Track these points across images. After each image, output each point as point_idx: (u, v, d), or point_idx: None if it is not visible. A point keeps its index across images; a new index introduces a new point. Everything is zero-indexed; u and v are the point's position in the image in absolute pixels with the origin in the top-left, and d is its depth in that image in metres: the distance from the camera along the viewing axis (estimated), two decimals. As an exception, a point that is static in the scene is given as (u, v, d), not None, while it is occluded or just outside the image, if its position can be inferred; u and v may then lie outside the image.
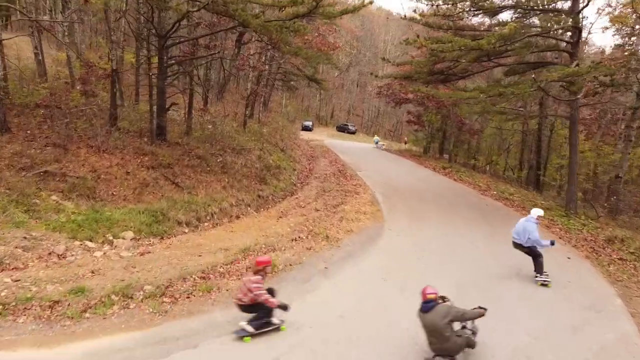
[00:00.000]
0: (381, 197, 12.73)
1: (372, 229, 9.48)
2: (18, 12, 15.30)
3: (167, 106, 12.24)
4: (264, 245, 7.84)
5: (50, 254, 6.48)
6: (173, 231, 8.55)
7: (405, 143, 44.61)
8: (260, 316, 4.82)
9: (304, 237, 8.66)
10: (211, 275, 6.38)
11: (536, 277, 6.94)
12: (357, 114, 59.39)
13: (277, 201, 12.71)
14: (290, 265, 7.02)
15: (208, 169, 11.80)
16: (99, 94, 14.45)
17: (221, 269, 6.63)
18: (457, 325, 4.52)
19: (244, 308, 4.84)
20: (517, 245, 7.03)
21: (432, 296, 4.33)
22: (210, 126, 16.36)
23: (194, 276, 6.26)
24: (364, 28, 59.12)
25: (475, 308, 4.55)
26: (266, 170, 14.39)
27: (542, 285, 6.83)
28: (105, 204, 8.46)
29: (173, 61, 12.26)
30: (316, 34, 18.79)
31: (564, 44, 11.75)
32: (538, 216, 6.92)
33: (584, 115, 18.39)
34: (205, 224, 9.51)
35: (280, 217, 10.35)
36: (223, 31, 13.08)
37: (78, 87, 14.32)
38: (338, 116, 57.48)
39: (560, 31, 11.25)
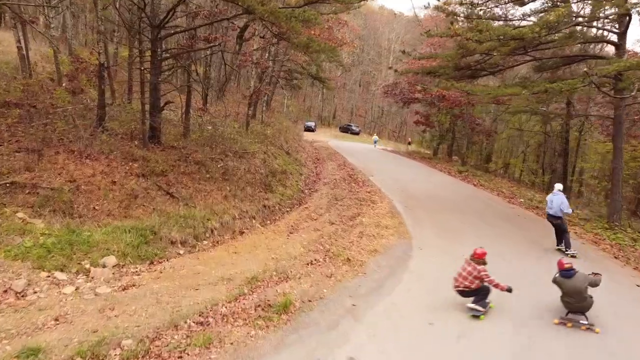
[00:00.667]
0: (401, 207, 11.34)
1: (399, 247, 8.07)
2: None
3: (161, 105, 10.83)
4: (274, 273, 6.43)
5: (5, 291, 5.07)
6: (165, 253, 7.14)
7: (409, 144, 43.23)
8: (481, 297, 5.41)
9: (321, 260, 7.26)
10: (210, 319, 4.97)
11: (566, 251, 8.04)
12: (360, 115, 58.00)
13: (284, 212, 11.31)
14: (310, 301, 5.60)
15: (207, 176, 10.39)
16: (88, 92, 13.07)
17: (223, 309, 5.22)
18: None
19: (467, 293, 5.40)
20: (550, 217, 8.28)
21: (570, 265, 5.27)
22: (210, 127, 14.96)
23: (188, 321, 4.85)
24: (367, 27, 57.73)
25: (596, 274, 5.43)
26: (272, 176, 12.99)
27: (572, 257, 7.76)
28: (84, 221, 7.05)
29: (168, 55, 10.84)
30: (326, 27, 17.38)
31: (609, 34, 10.36)
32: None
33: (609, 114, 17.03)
34: (205, 242, 8.10)
35: (290, 233, 8.93)
36: (224, 20, 11.64)
37: (63, 85, 12.93)
38: (340, 116, 56.09)
39: (606, 20, 9.85)
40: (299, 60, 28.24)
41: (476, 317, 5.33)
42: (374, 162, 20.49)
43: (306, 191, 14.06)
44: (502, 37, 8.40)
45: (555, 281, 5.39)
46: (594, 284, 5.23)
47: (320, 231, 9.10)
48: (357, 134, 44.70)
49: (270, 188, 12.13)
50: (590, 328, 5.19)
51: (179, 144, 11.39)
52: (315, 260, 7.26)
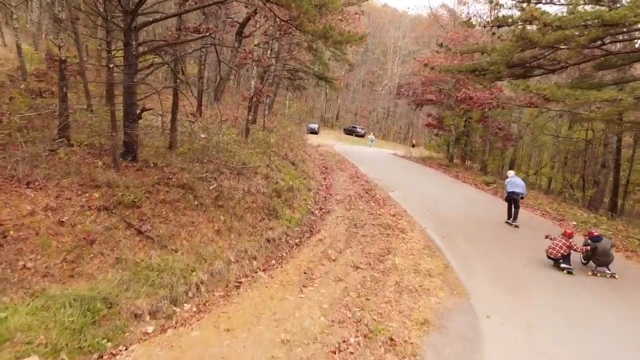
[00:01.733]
0: (437, 237, 9.01)
1: (458, 314, 5.74)
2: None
3: (137, 112, 8.49)
4: (287, 380, 4.11)
5: None
6: (125, 336, 4.81)
7: (413, 146, 40.91)
8: (568, 260, 7.46)
9: (353, 342, 4.94)
10: None
11: (513, 222, 10.41)
12: (364, 116, 55.65)
13: (293, 245, 8.96)
14: None
15: (196, 203, 8.05)
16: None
17: None
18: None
19: (557, 259, 7.53)
20: (516, 195, 10.26)
21: (599, 233, 7.60)
22: (204, 135, 12.63)
23: None
24: (371, 25, 55.34)
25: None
26: (276, 196, 10.65)
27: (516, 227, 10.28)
28: (3, 291, 4.72)
29: (146, 49, 8.48)
30: (340, 18, 15.03)
31: None
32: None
33: None
34: (186, 306, 5.76)
35: (304, 286, 6.59)
36: (218, 6, 9.29)
37: (22, 86, 10.60)
38: (344, 118, 53.77)
39: None
40: (303, 59, 25.94)
41: (570, 272, 7.40)
42: (388, 172, 18.17)
43: (317, 212, 11.72)
44: (590, 21, 6.11)
45: (587, 244, 7.54)
46: (614, 245, 7.95)
47: (344, 281, 6.77)
48: (362, 136, 42.35)
49: (275, 213, 9.79)
50: (612, 275, 7.38)
51: (162, 160, 9.03)
52: (345, 342, 4.94)
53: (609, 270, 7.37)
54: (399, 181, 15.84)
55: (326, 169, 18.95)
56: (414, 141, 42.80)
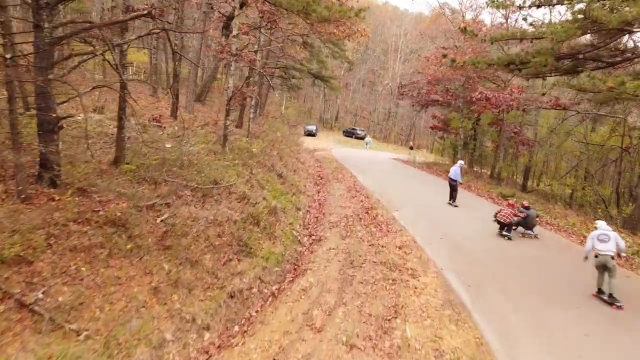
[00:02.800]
0: (461, 286, 6.71)
1: None
2: None
3: (56, 123, 6.18)
4: None
5: None
6: None
7: (412, 148, 38.50)
8: (509, 229, 9.34)
9: None
10: None
11: (453, 203, 12.33)
12: (364, 116, 53.31)
13: (268, 297, 6.65)
14: None
15: (129, 246, 5.76)
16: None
17: None
18: None
19: (507, 224, 9.29)
20: (453, 181, 12.29)
21: (527, 204, 9.95)
22: (169, 145, 10.37)
23: None
24: (371, 22, 52.96)
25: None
26: (253, 224, 8.37)
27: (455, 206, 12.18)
28: None
29: (63, 34, 6.19)
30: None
31: None
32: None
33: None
34: None
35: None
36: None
37: None
38: (343, 118, 51.44)
39: None
40: (298, 56, 23.64)
41: (509, 239, 9.30)
42: (391, 182, 15.88)
43: (305, 240, 9.43)
44: None
45: (521, 212, 9.65)
46: (538, 216, 10.21)
47: (332, 376, 4.48)
48: (362, 138, 40.00)
49: (248, 249, 7.50)
50: (535, 236, 9.74)
51: (97, 182, 6.74)
52: None
53: (533, 232, 9.78)
54: (404, 195, 13.53)
55: (321, 179, 16.66)
56: (411, 143, 40.46)
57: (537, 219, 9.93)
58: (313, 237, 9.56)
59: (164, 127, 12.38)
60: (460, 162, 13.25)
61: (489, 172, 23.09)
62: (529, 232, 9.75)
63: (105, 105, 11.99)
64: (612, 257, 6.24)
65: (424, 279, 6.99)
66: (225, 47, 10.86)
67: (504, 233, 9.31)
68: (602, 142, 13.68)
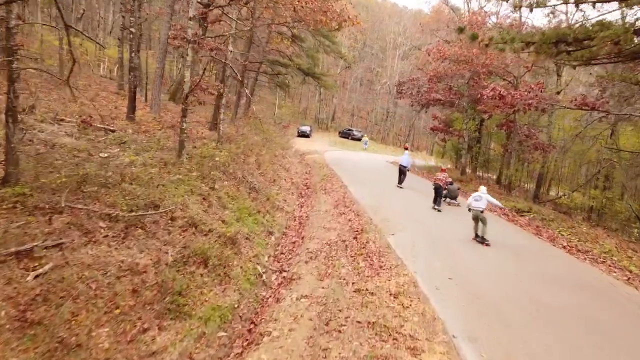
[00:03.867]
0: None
1: None
2: None
3: None
4: None
5: None
6: None
7: (406, 149, 35.87)
8: (439, 202, 11.38)
9: None
10: None
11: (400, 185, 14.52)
12: (362, 116, 51.04)
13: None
14: None
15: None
16: None
17: None
18: None
19: (439, 192, 11.36)
20: (403, 171, 14.51)
21: (451, 180, 12.32)
22: (105, 155, 8.14)
23: None
24: (369, 19, 50.68)
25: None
26: (197, 264, 6.12)
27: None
28: None
29: None
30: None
31: None
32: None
33: None
34: None
35: None
36: None
37: None
38: (340, 119, 49.16)
39: None
40: (287, 51, 21.38)
41: (439, 211, 11.35)
42: (387, 194, 13.59)
43: (273, 279, 7.18)
44: None
45: (446, 186, 11.80)
46: (459, 188, 13.22)
47: None
48: (358, 139, 37.71)
49: (180, 307, 5.23)
50: (458, 205, 12.14)
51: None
52: None
53: (456, 201, 12.35)
54: (402, 211, 11.27)
55: (307, 188, 14.41)
56: (406, 144, 38.18)
57: (459, 190, 12.95)
58: (283, 275, 7.31)
59: (111, 132, 10.13)
60: (407, 151, 15.41)
61: (494, 177, 20.90)
62: (453, 201, 12.32)
63: (36, 105, 9.71)
64: (482, 212, 8.56)
65: (428, 357, 4.73)
66: (180, 31, 8.59)
67: (435, 207, 11.38)
68: (636, 148, 11.47)
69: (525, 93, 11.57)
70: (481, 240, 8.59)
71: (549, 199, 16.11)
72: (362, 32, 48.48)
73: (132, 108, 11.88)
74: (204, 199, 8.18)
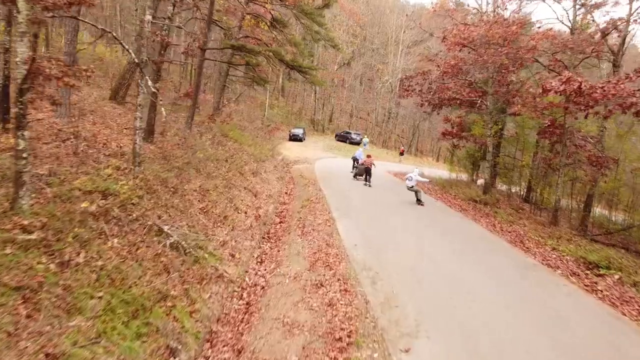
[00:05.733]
0: None
1: None
2: None
3: None
4: None
5: None
6: None
7: (402, 154, 31.66)
8: (369, 180, 14.81)
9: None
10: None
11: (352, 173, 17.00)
12: (362, 117, 46.62)
13: None
14: None
15: None
16: None
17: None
18: None
19: (364, 171, 14.87)
20: (355, 160, 16.97)
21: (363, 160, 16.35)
22: None
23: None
24: (370, 12, 46.22)
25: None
26: None
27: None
28: None
29: None
30: None
31: None
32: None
33: None
34: None
35: None
36: None
37: None
38: (338, 120, 44.75)
39: None
40: (264, 38, 17.04)
41: (369, 186, 14.55)
42: (393, 237, 9.14)
43: None
44: None
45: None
46: (372, 164, 15.17)
47: None
48: (357, 143, 33.17)
49: None
50: (370, 185, 14.77)
51: None
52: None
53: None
54: (418, 275, 6.90)
55: (280, 222, 10.09)
56: (402, 148, 33.71)
57: (372, 166, 15.14)
58: None
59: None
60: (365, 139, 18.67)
61: (514, 189, 16.62)
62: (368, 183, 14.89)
63: None
64: (412, 187, 12.21)
65: None
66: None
67: (365, 183, 14.88)
68: None
69: (618, 86, 7.22)
70: (418, 203, 12.25)
71: (608, 229, 11.77)
72: (361, 26, 44.04)
73: (4, 109, 7.59)
74: (23, 299, 3.89)
